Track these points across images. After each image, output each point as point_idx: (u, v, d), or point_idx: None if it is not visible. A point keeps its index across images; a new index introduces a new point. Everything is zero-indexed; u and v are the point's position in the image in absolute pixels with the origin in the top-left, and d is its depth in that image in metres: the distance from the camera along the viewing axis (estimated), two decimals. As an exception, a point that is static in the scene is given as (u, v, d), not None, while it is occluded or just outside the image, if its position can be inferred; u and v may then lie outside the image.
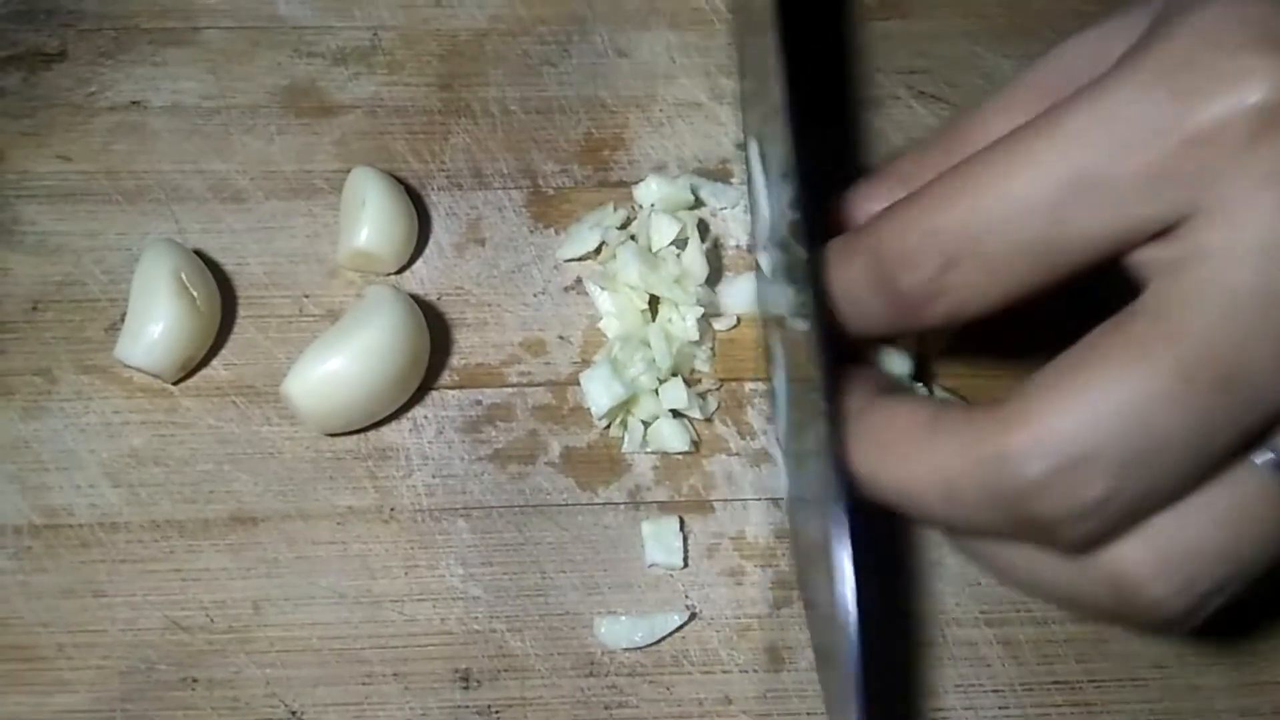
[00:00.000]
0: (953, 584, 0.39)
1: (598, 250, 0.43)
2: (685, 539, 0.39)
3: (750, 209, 0.43)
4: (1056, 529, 0.28)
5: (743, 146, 0.45)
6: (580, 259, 0.43)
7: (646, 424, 0.40)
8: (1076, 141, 0.28)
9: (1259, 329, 0.27)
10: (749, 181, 0.43)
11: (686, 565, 0.39)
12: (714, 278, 0.42)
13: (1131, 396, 0.27)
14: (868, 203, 0.37)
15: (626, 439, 0.40)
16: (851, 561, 0.29)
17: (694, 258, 0.41)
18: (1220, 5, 0.28)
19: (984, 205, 0.30)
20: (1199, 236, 0.27)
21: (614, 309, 0.42)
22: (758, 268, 0.42)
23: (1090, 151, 0.28)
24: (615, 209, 0.43)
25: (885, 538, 0.39)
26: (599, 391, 0.40)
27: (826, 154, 0.45)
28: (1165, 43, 0.28)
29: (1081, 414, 0.27)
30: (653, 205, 0.43)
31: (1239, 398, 0.27)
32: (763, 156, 0.40)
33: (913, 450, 0.30)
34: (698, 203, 0.44)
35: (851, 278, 0.33)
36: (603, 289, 0.42)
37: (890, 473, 0.31)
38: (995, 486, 0.28)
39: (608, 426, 0.41)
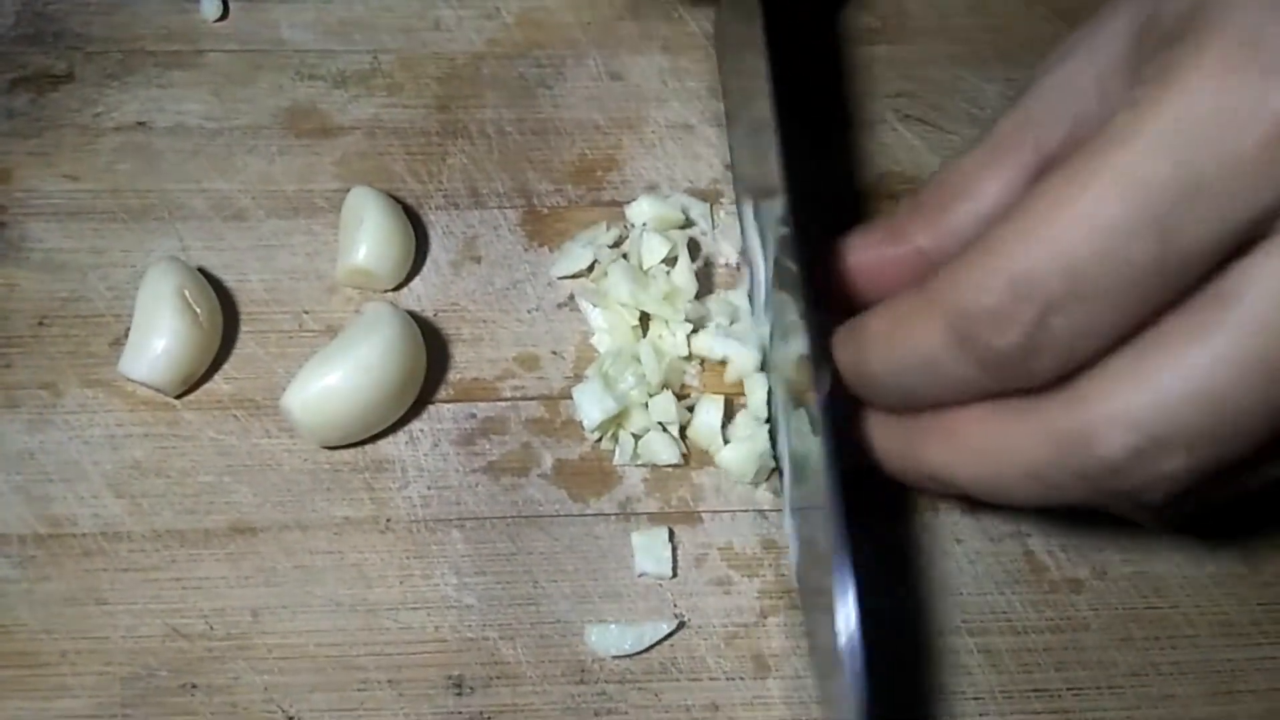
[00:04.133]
0: (933, 594, 0.40)
1: (590, 268, 0.44)
2: (674, 549, 0.40)
3: (748, 264, 0.44)
4: (1141, 496, 0.29)
5: (730, 168, 0.46)
6: (573, 276, 0.44)
7: (637, 437, 0.41)
8: (1163, 146, 0.26)
9: None
10: (743, 243, 0.44)
11: (675, 575, 0.40)
12: (703, 294, 0.43)
13: (1210, 379, 0.26)
14: (866, 254, 0.36)
15: (618, 452, 0.41)
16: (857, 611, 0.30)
17: (684, 275, 0.42)
18: None
19: (1075, 238, 0.27)
20: None
21: (605, 325, 0.43)
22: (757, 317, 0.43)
23: (1180, 153, 0.26)
24: (608, 228, 0.44)
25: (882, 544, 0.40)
26: (590, 405, 0.41)
27: (814, 178, 0.47)
28: (1215, 30, 0.26)
29: (1162, 392, 0.27)
30: (644, 224, 0.44)
31: None
32: (756, 218, 0.41)
33: (989, 442, 0.30)
34: (688, 222, 0.45)
35: (921, 347, 0.30)
36: (595, 306, 0.43)
37: (969, 468, 0.31)
38: (1081, 466, 0.28)
39: (599, 440, 0.42)
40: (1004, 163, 0.32)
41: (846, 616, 0.31)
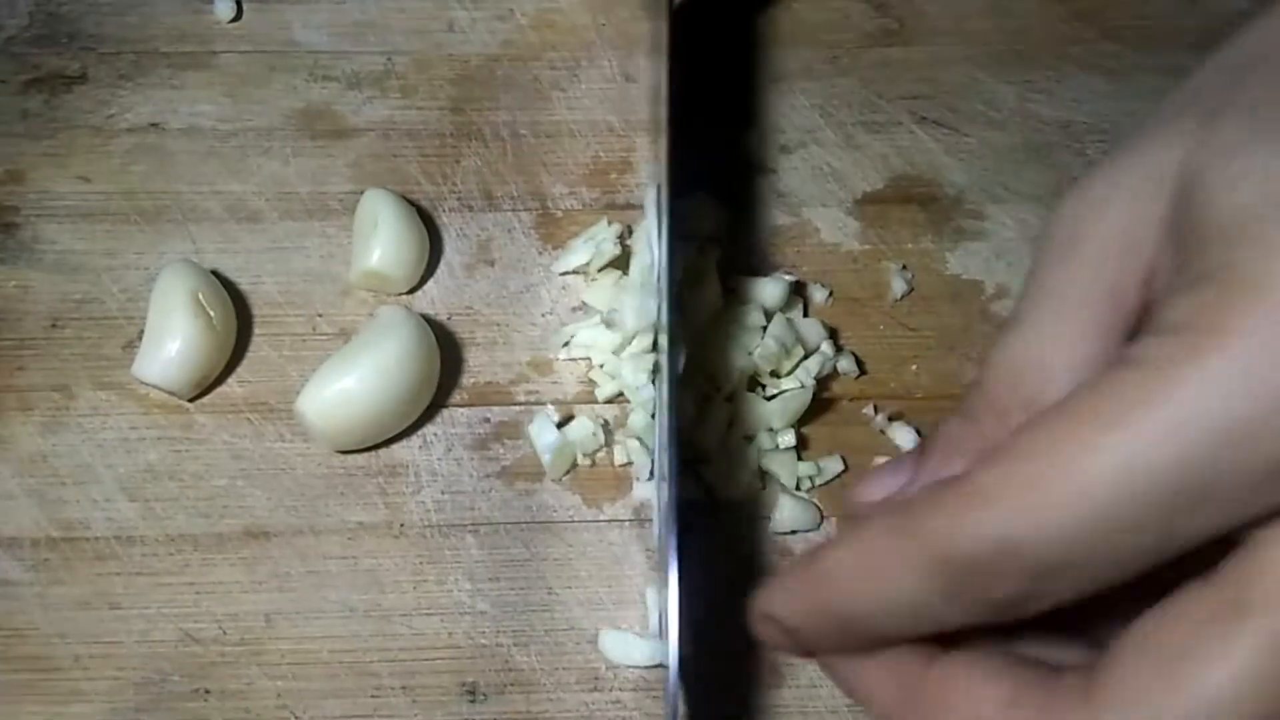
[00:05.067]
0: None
1: (607, 267, 0.44)
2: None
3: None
4: None
5: (755, 169, 0.46)
6: (574, 272, 0.44)
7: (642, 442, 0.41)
8: (1170, 442, 0.23)
9: None
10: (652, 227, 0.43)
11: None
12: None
13: (1244, 704, 0.24)
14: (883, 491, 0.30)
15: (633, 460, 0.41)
16: None
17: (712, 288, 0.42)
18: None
19: (1072, 518, 0.24)
20: None
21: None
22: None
23: (1191, 456, 0.23)
24: (609, 223, 0.44)
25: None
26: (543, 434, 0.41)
27: (825, 180, 0.46)
28: (1246, 303, 0.23)
29: (1194, 714, 0.24)
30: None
31: None
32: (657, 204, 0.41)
33: None
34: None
35: (904, 589, 0.27)
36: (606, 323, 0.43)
37: None
38: None
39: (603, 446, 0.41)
40: (1071, 327, 0.27)
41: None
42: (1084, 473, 0.24)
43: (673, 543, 0.31)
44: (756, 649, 0.39)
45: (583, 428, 0.41)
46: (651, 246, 0.41)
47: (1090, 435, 0.24)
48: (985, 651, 0.27)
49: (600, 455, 0.41)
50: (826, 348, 0.42)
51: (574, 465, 0.41)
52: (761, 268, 0.44)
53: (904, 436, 0.41)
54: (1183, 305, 0.24)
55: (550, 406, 0.41)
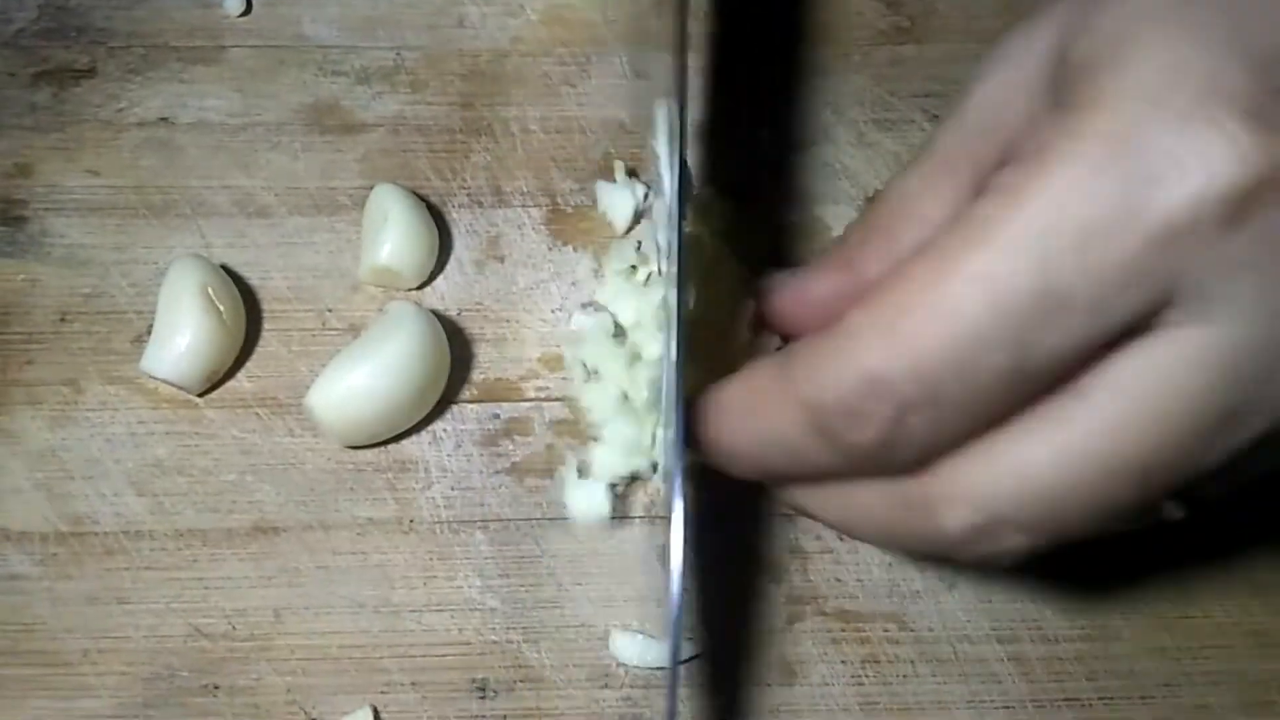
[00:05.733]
0: (964, 601, 0.40)
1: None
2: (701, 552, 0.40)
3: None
4: (984, 560, 0.28)
5: (767, 167, 0.46)
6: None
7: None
8: (1025, 250, 0.24)
9: (1212, 441, 0.25)
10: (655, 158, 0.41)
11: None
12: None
13: (1049, 472, 0.26)
14: (820, 288, 0.33)
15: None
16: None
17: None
18: (1149, 50, 0.25)
19: (927, 343, 0.25)
20: (1170, 330, 0.25)
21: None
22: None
23: (1041, 263, 0.24)
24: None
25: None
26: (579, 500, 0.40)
27: (837, 178, 0.46)
28: (1096, 114, 0.25)
29: (1004, 479, 0.27)
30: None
31: (1154, 487, 0.26)
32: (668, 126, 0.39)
33: (845, 497, 0.30)
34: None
35: (778, 431, 0.29)
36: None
37: (826, 513, 0.31)
38: (924, 534, 0.28)
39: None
40: (944, 182, 0.30)
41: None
42: (944, 295, 0.25)
43: (678, 518, 0.30)
44: (767, 646, 0.39)
45: (603, 468, 0.40)
46: (662, 177, 0.40)
47: (949, 260, 0.25)
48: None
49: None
50: None
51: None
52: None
53: None
54: (1032, 135, 0.26)
55: (572, 459, 0.41)
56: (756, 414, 0.29)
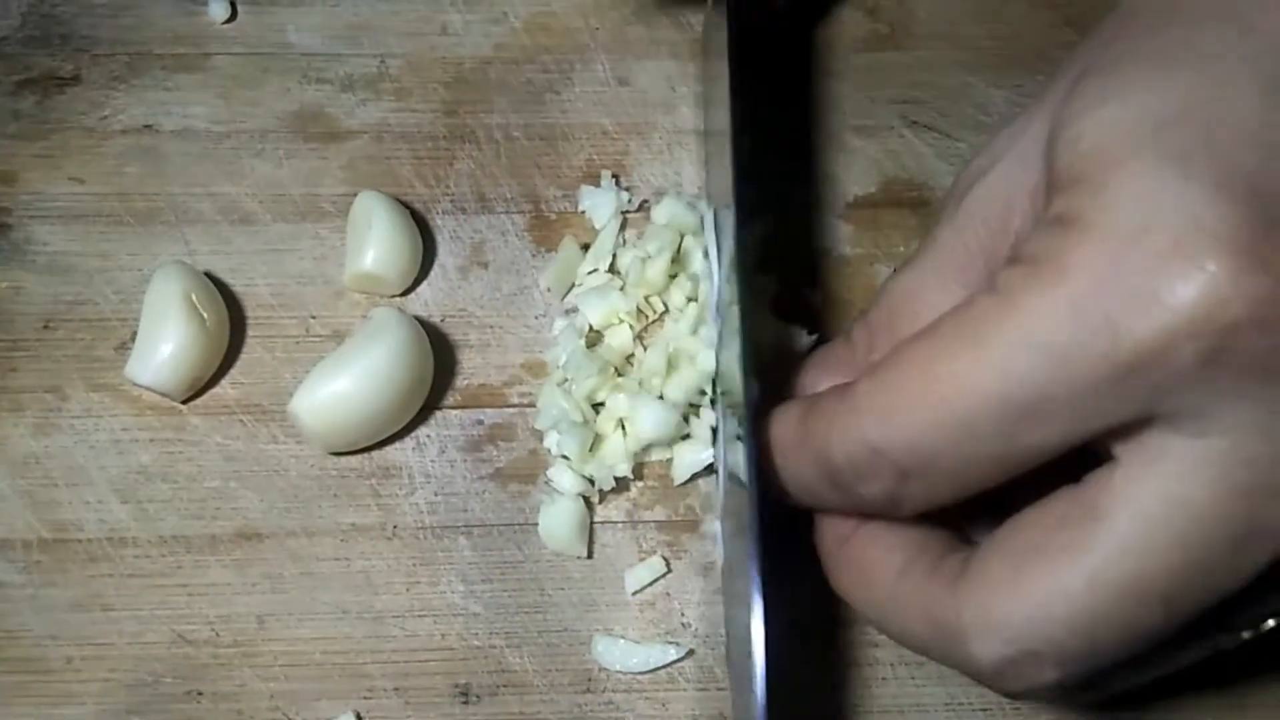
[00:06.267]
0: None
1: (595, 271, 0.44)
2: (680, 557, 0.40)
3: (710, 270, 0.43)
4: (1010, 690, 0.30)
5: (746, 173, 0.46)
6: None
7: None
8: (1010, 365, 0.26)
9: (1231, 561, 0.26)
10: (709, 248, 0.43)
11: (670, 570, 0.40)
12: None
13: (1083, 601, 0.27)
14: (824, 378, 0.35)
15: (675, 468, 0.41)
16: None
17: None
18: (1129, 180, 0.25)
19: (924, 424, 0.28)
20: (1161, 441, 0.26)
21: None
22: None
23: (1027, 374, 0.26)
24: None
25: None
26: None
27: (819, 186, 0.47)
28: (1080, 242, 0.26)
29: (1037, 611, 0.28)
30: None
31: (1180, 611, 0.27)
32: (716, 226, 0.41)
33: (885, 599, 0.31)
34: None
35: (803, 474, 0.32)
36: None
37: (869, 606, 0.33)
38: (956, 658, 0.30)
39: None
40: (946, 278, 0.32)
41: (756, 632, 0.31)
42: (935, 385, 0.27)
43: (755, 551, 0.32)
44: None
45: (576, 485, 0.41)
46: (712, 276, 0.41)
47: (945, 353, 0.28)
48: (902, 525, 0.32)
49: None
50: None
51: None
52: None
53: None
54: (1032, 243, 0.27)
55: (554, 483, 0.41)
56: (786, 456, 0.32)
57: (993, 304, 0.27)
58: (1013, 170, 0.30)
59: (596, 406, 0.41)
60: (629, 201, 0.45)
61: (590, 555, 0.40)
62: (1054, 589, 0.27)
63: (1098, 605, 0.27)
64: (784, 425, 0.33)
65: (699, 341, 0.41)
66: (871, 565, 0.32)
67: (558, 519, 0.39)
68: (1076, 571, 0.27)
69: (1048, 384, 0.26)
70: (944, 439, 0.28)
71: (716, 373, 0.40)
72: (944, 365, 0.27)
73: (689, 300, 0.42)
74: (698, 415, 0.41)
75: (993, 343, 0.27)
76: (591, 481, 0.40)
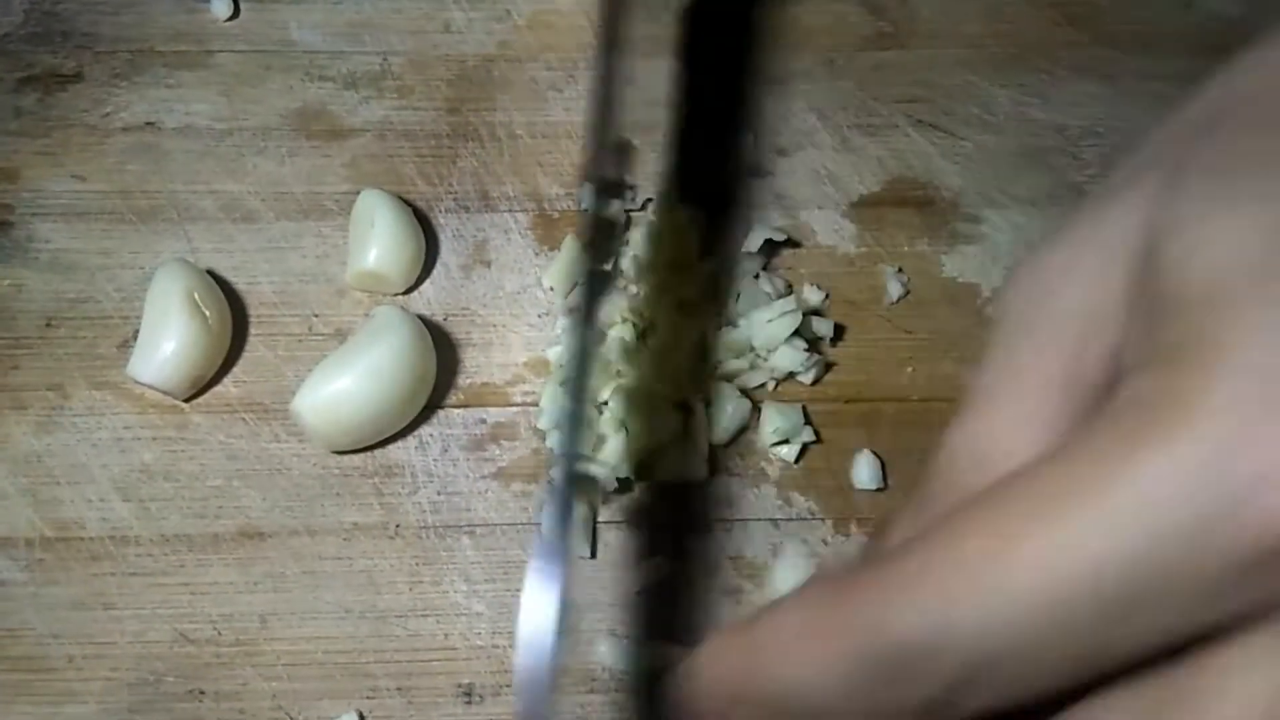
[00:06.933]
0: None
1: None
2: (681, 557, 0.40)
3: None
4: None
5: (752, 172, 0.46)
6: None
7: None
8: (1123, 538, 0.20)
9: None
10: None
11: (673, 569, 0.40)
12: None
13: None
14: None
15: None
16: None
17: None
18: (1257, 320, 0.20)
19: (1006, 612, 0.21)
20: None
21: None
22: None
23: (1145, 550, 0.20)
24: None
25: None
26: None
27: (821, 182, 0.47)
28: (1206, 386, 0.20)
29: None
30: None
31: None
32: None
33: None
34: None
35: (832, 666, 0.22)
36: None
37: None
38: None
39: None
40: (1019, 416, 0.25)
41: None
42: (1024, 559, 0.21)
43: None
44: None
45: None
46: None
47: (1034, 518, 0.21)
48: None
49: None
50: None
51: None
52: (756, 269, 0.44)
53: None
54: (1144, 381, 0.21)
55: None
56: (806, 648, 0.23)
57: (1099, 456, 0.21)
58: (1094, 272, 0.24)
59: (600, 406, 0.41)
60: (632, 200, 0.45)
61: (594, 555, 0.40)
62: None
63: None
64: (799, 606, 0.23)
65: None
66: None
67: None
68: None
69: (1171, 562, 0.20)
70: (1025, 629, 0.21)
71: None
72: (1034, 532, 0.21)
73: (688, 297, 0.42)
74: (692, 414, 0.41)
75: (1100, 507, 0.20)
76: (594, 479, 0.40)
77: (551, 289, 0.44)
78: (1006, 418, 0.25)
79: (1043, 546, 0.21)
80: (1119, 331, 0.23)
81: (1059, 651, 0.21)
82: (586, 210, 0.35)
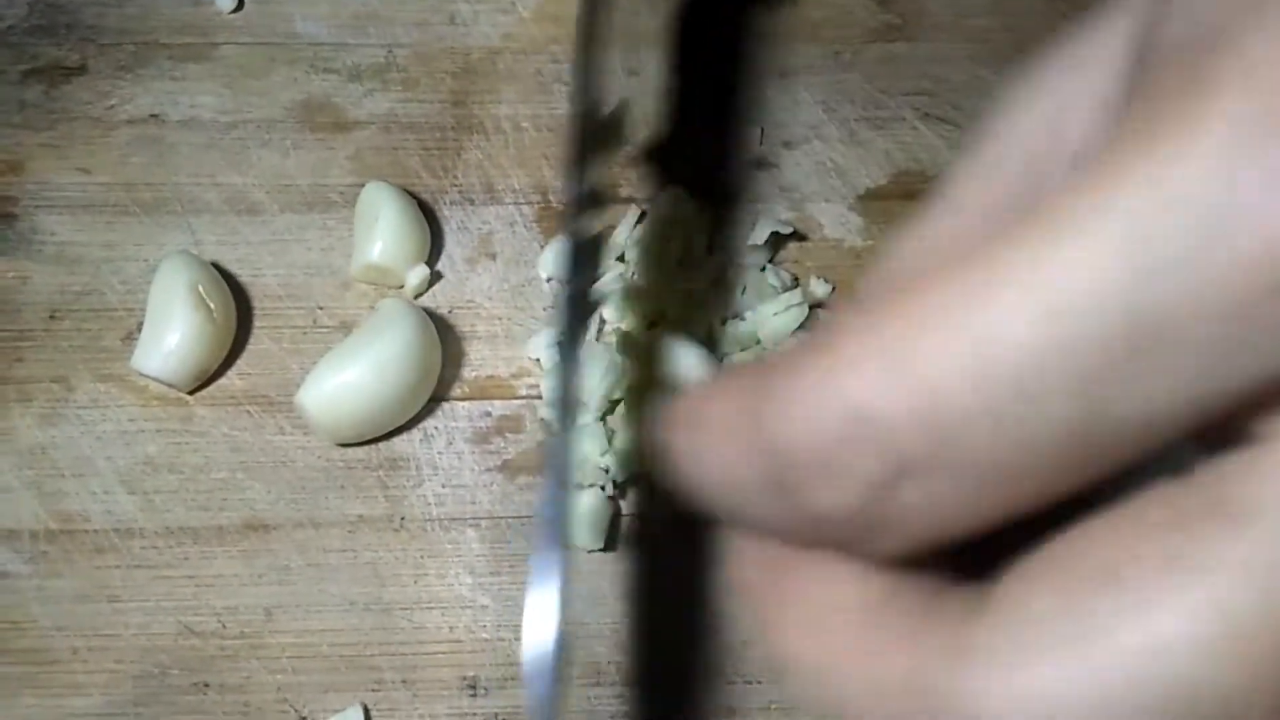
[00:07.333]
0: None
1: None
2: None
3: None
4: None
5: (759, 165, 0.46)
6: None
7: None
8: (1113, 261, 0.15)
9: None
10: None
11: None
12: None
13: (1204, 636, 0.15)
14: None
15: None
16: None
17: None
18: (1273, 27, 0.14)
19: (952, 372, 0.16)
20: None
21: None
22: None
23: (1140, 276, 0.15)
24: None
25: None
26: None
27: (828, 175, 0.46)
28: (1217, 95, 0.15)
29: (1135, 662, 0.15)
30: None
31: None
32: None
33: (842, 652, 0.17)
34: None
35: (727, 469, 0.18)
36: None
37: (813, 663, 0.17)
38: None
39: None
40: (973, 224, 0.19)
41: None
42: (990, 306, 0.15)
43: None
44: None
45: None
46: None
47: (995, 261, 0.16)
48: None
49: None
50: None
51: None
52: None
53: None
54: (1137, 107, 0.16)
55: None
56: (706, 439, 0.19)
57: (1067, 199, 0.15)
58: (1071, 78, 0.18)
59: (611, 402, 0.41)
60: (626, 197, 0.45)
61: (604, 548, 0.40)
62: (1170, 627, 0.15)
63: (1250, 652, 0.15)
64: (712, 397, 0.19)
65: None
66: (820, 599, 0.18)
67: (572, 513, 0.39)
68: (1211, 599, 0.15)
69: (1177, 290, 0.15)
70: (984, 394, 0.15)
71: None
72: (998, 281, 0.15)
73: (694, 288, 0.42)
74: None
75: (1080, 241, 0.15)
76: (607, 471, 0.40)
77: (549, 280, 0.44)
78: (952, 224, 0.19)
79: (1012, 282, 0.15)
80: (1089, 124, 0.18)
81: (1025, 427, 0.16)
82: (568, 208, 0.34)
